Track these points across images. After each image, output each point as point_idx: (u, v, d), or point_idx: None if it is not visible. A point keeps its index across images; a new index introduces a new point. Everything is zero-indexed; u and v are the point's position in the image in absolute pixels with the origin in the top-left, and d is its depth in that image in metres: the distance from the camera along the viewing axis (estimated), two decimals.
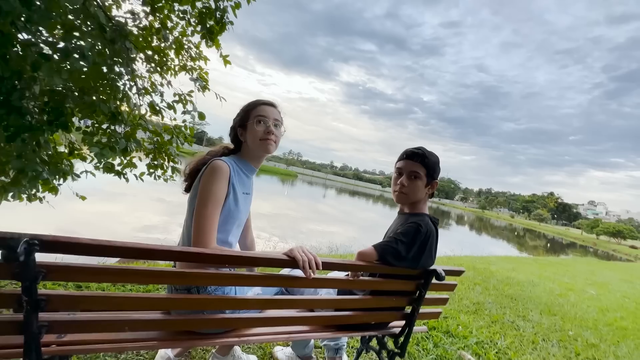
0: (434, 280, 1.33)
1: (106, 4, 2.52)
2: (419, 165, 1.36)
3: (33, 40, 1.93)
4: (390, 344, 1.57)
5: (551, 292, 5.22)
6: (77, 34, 2.03)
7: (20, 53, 1.87)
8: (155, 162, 2.72)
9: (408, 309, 1.43)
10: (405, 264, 1.26)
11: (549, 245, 29.57)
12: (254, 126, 1.30)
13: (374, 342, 1.65)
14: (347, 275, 1.54)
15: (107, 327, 0.88)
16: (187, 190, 1.34)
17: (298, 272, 1.12)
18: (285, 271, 1.39)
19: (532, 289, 5.09)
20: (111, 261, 3.30)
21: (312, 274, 1.05)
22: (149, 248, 0.82)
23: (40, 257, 0.75)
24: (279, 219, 12.87)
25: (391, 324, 1.51)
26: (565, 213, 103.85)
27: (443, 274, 1.30)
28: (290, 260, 1.04)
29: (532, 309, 3.84)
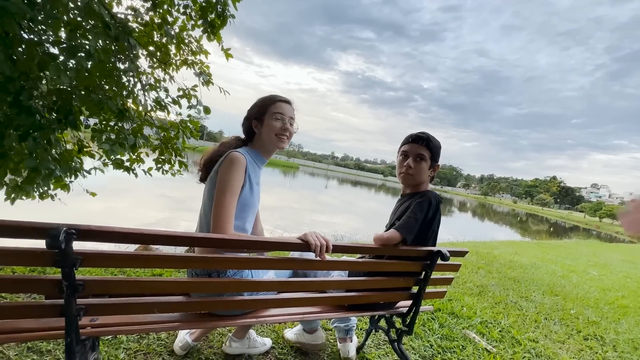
0: (439, 261, 1.40)
1: (106, 0, 2.54)
2: (424, 148, 1.44)
3: (37, 39, 1.96)
4: (398, 324, 1.65)
5: (553, 273, 5.31)
6: (81, 32, 2.06)
7: (27, 53, 1.90)
8: (163, 157, 2.78)
9: (415, 289, 1.50)
10: (423, 233, 1.36)
11: (551, 229, 29.69)
12: (271, 121, 1.36)
13: (382, 323, 1.73)
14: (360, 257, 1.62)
15: (135, 309, 0.95)
16: (202, 180, 1.41)
17: (309, 255, 1.18)
18: (296, 254, 1.46)
19: (535, 271, 5.18)
20: (131, 248, 3.39)
21: (325, 256, 1.12)
22: (173, 235, 0.88)
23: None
24: (282, 211, 12.97)
25: (399, 304, 1.59)
26: (568, 197, 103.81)
27: (448, 254, 1.36)
28: (304, 244, 1.10)
29: (535, 290, 3.93)
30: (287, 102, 1.44)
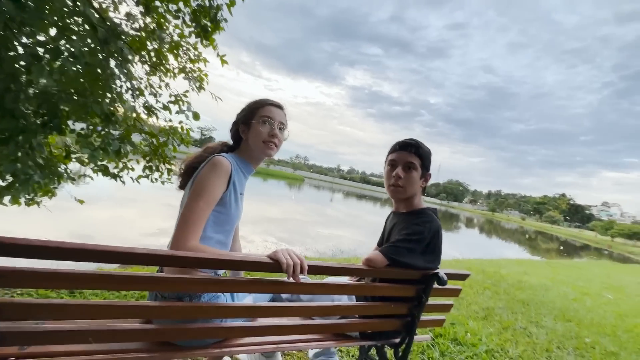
0: (435, 285, 1.23)
1: (103, 6, 2.50)
2: (414, 155, 1.29)
3: (25, 41, 1.90)
4: (390, 354, 1.46)
5: (565, 296, 5.01)
6: (67, 34, 2.00)
7: (13, 55, 1.85)
8: (151, 165, 2.68)
9: (408, 317, 1.32)
10: (418, 261, 1.20)
11: (561, 247, 28.82)
12: (258, 126, 1.24)
13: (373, 352, 1.55)
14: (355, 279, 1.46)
15: (69, 338, 0.80)
16: (181, 187, 1.29)
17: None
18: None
19: (545, 293, 4.89)
20: (111, 266, 3.27)
21: (298, 278, 0.97)
22: (106, 250, 0.74)
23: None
24: (287, 223, 12.80)
25: (391, 333, 1.41)
26: (578, 215, 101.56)
27: (445, 278, 1.19)
28: (274, 264, 0.95)
29: (546, 314, 3.67)
30: (278, 106, 1.32)
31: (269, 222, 11.37)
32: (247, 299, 1.27)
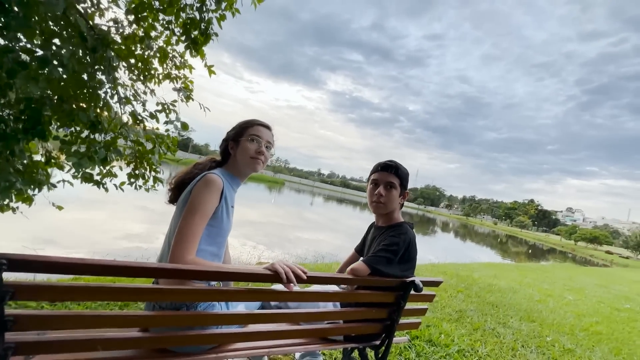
0: (412, 292, 1.36)
1: (89, 11, 2.49)
2: (394, 176, 1.45)
3: (10, 46, 1.88)
4: (371, 355, 1.58)
5: (531, 298, 5.36)
6: (57, 41, 2.00)
7: None
8: (137, 172, 2.67)
9: (388, 320, 1.45)
10: (395, 270, 1.33)
11: (530, 251, 30.38)
12: (246, 143, 1.35)
13: (355, 354, 1.66)
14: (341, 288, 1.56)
15: (78, 346, 0.86)
16: (171, 201, 1.36)
17: (279, 286, 1.12)
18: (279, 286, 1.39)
19: (513, 295, 5.21)
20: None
21: (291, 286, 1.07)
22: (124, 265, 0.81)
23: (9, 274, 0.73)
24: (266, 227, 12.74)
25: (372, 335, 1.52)
26: (545, 220, 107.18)
27: (421, 285, 1.33)
28: (273, 275, 1.04)
29: (513, 315, 3.94)
30: (266, 126, 1.44)
31: (248, 225, 11.29)
32: (239, 307, 1.34)
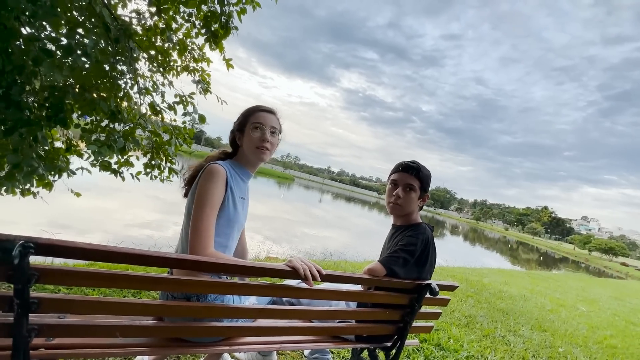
0: (427, 295, 1.34)
1: (112, 2, 2.53)
2: (414, 178, 1.40)
3: (37, 35, 1.93)
4: (381, 357, 1.56)
5: (542, 307, 5.24)
6: (81, 31, 2.03)
7: (23, 47, 1.86)
8: (153, 162, 2.71)
9: (401, 323, 1.43)
10: (412, 271, 1.31)
11: (541, 258, 29.73)
12: (250, 132, 1.31)
13: (365, 354, 1.64)
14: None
15: (97, 331, 0.87)
16: (185, 195, 1.35)
17: (292, 282, 1.12)
18: (293, 282, 1.39)
19: (524, 303, 5.10)
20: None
21: (311, 283, 1.06)
22: (145, 254, 0.81)
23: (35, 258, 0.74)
24: (274, 222, 12.83)
25: (384, 337, 1.51)
26: (558, 227, 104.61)
27: (437, 288, 1.30)
28: (292, 271, 1.03)
29: (524, 324, 3.85)
30: (269, 111, 1.38)
31: (256, 220, 11.37)
32: (250, 300, 1.34)
